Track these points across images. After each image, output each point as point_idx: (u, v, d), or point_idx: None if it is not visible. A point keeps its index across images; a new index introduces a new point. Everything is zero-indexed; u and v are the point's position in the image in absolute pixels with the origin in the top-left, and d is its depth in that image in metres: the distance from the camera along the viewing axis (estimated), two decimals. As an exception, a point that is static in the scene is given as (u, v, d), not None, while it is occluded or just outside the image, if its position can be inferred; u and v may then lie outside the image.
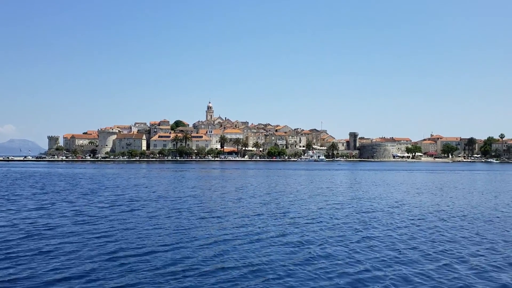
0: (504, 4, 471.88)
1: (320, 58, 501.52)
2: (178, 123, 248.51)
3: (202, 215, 26.26)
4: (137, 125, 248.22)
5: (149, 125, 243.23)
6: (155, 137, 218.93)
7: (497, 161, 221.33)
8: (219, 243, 18.12)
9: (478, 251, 17.28)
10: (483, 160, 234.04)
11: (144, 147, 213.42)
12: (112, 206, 30.61)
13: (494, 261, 15.62)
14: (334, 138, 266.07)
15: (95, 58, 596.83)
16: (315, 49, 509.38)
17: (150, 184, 52.90)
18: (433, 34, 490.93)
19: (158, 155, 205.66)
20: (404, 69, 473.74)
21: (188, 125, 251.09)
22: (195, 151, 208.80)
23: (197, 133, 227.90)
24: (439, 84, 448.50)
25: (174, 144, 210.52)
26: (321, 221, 24.39)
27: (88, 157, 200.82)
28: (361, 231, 21.47)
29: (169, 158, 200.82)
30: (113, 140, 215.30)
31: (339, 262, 15.48)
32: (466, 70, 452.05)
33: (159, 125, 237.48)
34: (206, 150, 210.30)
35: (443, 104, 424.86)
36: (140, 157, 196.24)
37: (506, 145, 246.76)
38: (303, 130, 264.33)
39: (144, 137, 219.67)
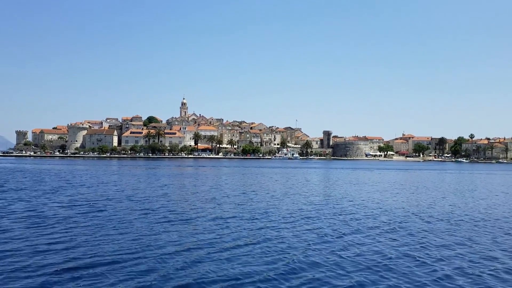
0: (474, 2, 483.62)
1: (296, 55, 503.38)
2: (151, 119, 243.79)
3: (172, 217, 24.03)
4: (108, 120, 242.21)
5: (121, 121, 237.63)
6: (127, 133, 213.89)
7: (467, 161, 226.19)
8: (190, 251, 16.05)
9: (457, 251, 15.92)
10: (453, 160, 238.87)
11: (115, 143, 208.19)
12: (72, 206, 27.98)
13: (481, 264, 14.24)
14: (308, 136, 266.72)
15: (66, 52, 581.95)
16: (290, 46, 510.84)
17: (119, 182, 50.13)
18: (405, 33, 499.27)
19: (129, 152, 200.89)
20: (377, 69, 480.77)
21: (162, 121, 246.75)
22: (168, 148, 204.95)
23: (170, 129, 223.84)
24: (411, 84, 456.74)
25: (146, 141, 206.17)
26: (299, 224, 22.64)
27: (57, 153, 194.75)
28: (344, 235, 19.81)
29: (141, 154, 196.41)
30: (83, 135, 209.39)
31: (322, 270, 13.81)
32: (437, 70, 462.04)
33: (131, 121, 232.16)
34: (180, 147, 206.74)
35: (415, 104, 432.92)
36: (110, 154, 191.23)
37: (476, 145, 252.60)
38: (278, 128, 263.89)
39: (115, 133, 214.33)
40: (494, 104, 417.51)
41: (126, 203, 29.82)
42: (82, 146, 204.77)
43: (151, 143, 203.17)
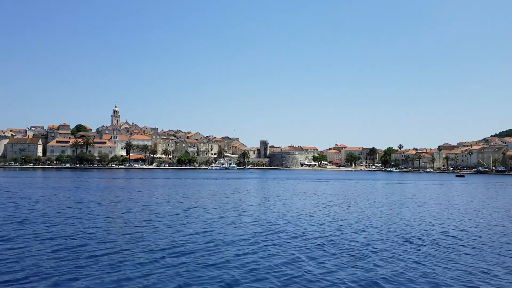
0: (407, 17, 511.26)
1: (233, 65, 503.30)
2: (79, 128, 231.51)
3: (97, 250, 20.63)
4: (33, 128, 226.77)
5: (47, 129, 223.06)
6: (53, 142, 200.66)
7: (396, 170, 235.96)
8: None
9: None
10: (383, 169, 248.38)
11: (40, 153, 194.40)
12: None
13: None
14: (246, 146, 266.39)
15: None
16: (228, 55, 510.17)
17: (31, 196, 44.73)
18: (339, 47, 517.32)
19: (55, 162, 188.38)
20: (310, 80, 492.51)
21: (91, 130, 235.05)
22: (97, 158, 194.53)
23: (100, 138, 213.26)
24: (344, 96, 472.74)
25: (74, 150, 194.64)
26: (235, 243, 20.28)
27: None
28: (282, 253, 17.73)
29: (68, 165, 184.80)
30: (5, 144, 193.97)
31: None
32: (368, 84, 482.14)
33: (58, 129, 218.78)
34: (110, 157, 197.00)
35: (347, 115, 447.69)
36: (34, 164, 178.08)
37: (404, 155, 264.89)
38: (215, 137, 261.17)
39: (40, 142, 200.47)
40: (421, 116, 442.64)
41: (33, 226, 25.68)
42: (3, 156, 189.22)
43: (79, 152, 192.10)
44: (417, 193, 62.82)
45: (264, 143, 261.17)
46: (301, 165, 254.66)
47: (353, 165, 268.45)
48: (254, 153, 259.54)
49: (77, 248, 19.79)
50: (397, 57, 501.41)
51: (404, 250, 20.60)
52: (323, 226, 28.01)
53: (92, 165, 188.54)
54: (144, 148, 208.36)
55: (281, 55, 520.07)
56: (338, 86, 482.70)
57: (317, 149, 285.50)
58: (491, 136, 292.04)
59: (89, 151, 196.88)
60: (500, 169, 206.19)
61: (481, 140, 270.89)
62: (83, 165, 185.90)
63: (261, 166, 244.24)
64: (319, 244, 21.80)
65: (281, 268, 16.99)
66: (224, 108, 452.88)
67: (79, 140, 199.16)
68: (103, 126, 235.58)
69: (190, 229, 25.77)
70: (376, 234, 25.14)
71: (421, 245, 22.08)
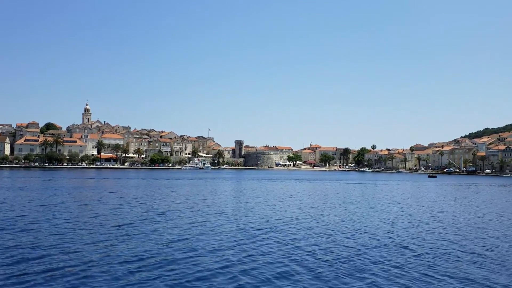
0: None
1: (207, 65, 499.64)
2: (49, 126, 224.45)
3: (56, 260, 18.58)
4: (0, 126, 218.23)
5: (15, 127, 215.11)
6: (21, 141, 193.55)
7: (370, 170, 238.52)
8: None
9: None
10: (356, 170, 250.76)
11: (7, 152, 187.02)
12: None
13: None
14: (220, 145, 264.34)
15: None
16: (201, 54, 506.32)
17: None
18: (314, 48, 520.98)
19: (23, 161, 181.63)
20: (285, 80, 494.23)
21: (61, 128, 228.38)
22: (67, 157, 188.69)
23: (70, 137, 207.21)
24: (318, 96, 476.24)
25: (43, 149, 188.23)
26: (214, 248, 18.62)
27: None
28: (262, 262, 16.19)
29: (37, 164, 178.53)
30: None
31: None
32: (342, 85, 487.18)
33: (26, 128, 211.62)
34: (80, 156, 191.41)
35: (322, 116, 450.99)
36: (1, 163, 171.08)
37: (377, 156, 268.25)
38: (189, 137, 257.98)
39: (8, 140, 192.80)
40: (394, 117, 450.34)
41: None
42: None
43: (48, 151, 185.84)
44: (398, 195, 62.51)
45: (239, 143, 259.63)
46: (276, 165, 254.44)
47: (327, 165, 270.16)
48: (229, 153, 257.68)
49: (36, 260, 17.55)
50: (370, 58, 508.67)
51: (401, 258, 19.43)
52: (309, 231, 26.63)
53: (62, 165, 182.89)
54: (116, 147, 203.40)
55: (255, 56, 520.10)
56: (313, 87, 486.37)
57: (292, 149, 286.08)
58: (461, 137, 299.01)
59: (59, 150, 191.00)
60: (470, 169, 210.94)
61: (452, 141, 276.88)
62: (53, 165, 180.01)
63: (236, 166, 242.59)
64: (310, 251, 20.38)
65: (273, 282, 15.49)
66: (199, 107, 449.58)
67: (49, 138, 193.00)
68: (73, 124, 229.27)
69: (166, 236, 23.79)
70: (368, 239, 23.95)
71: (421, 253, 20.97)
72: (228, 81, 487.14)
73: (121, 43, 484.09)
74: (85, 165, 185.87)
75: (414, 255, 20.21)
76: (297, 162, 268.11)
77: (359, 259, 19.11)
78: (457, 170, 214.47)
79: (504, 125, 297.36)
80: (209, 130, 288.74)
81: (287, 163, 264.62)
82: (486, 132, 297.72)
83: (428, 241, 24.16)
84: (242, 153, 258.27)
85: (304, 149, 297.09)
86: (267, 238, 23.99)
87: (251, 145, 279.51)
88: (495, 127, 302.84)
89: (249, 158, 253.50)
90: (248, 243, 22.21)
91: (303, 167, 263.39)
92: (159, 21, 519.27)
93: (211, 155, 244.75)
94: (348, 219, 33.11)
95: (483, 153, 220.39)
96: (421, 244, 23.16)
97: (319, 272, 16.82)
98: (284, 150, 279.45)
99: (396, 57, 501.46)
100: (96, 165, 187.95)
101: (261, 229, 27.10)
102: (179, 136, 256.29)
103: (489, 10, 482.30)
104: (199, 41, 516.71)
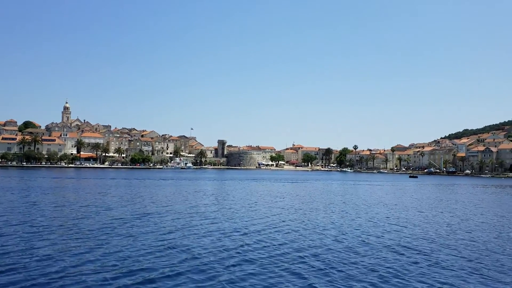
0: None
1: (189, 64, 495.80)
2: (27, 124, 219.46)
3: (28, 269, 17.30)
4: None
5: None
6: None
7: (351, 171, 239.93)
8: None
9: None
10: (338, 170, 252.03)
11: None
12: None
13: None
14: (203, 145, 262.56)
15: None
16: (183, 53, 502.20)
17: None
18: (294, 46, 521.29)
19: (0, 160, 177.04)
20: (268, 80, 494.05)
21: (40, 126, 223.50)
22: (46, 156, 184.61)
23: (49, 135, 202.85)
24: (301, 96, 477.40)
25: (21, 148, 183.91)
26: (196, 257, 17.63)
27: None
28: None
29: (14, 163, 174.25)
30: None
31: None
32: (324, 83, 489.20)
33: (4, 126, 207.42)
34: (59, 155, 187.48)
35: (304, 116, 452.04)
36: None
37: (359, 156, 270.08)
38: (171, 136, 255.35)
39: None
40: (375, 117, 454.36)
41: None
42: None
43: (26, 150, 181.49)
44: (383, 195, 62.40)
45: (221, 143, 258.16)
46: (259, 165, 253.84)
47: (310, 165, 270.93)
48: (211, 152, 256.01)
49: (5, 267, 16.48)
50: (352, 58, 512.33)
51: (396, 260, 18.77)
52: (298, 234, 25.86)
53: (40, 164, 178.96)
54: (96, 146, 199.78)
55: (238, 55, 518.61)
56: (296, 87, 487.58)
57: (274, 149, 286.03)
58: (441, 138, 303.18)
59: (37, 148, 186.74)
60: (450, 170, 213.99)
61: (432, 141, 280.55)
62: (31, 164, 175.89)
63: (218, 165, 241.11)
64: (301, 258, 19.56)
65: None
66: (181, 106, 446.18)
67: (27, 137, 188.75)
68: (52, 123, 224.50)
69: (149, 241, 22.47)
70: (357, 243, 23.25)
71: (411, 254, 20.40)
72: (211, 81, 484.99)
73: (102, 42, 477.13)
74: (64, 164, 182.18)
75: (407, 257, 19.62)
76: (280, 162, 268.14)
77: (353, 264, 18.39)
78: (438, 170, 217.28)
79: (483, 126, 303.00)
80: (192, 129, 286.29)
81: (270, 163, 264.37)
82: (466, 133, 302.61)
83: (422, 244, 23.64)
84: (225, 152, 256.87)
85: (287, 149, 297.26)
86: (254, 243, 23.07)
87: (234, 145, 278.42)
88: (474, 128, 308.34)
89: (231, 158, 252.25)
90: (233, 249, 21.25)
91: (286, 167, 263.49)
92: (140, 20, 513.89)
93: (193, 155, 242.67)
94: (334, 221, 32.47)
95: (463, 154, 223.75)
96: (415, 246, 22.62)
97: (305, 277, 16.03)
98: (267, 150, 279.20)
99: (377, 58, 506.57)
100: (75, 165, 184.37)
101: (246, 233, 26.17)
102: (161, 135, 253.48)
103: (468, 9, 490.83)
104: (181, 41, 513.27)
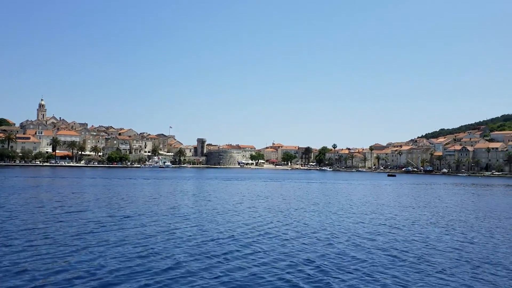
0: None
1: (170, 62, 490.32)
2: (1, 122, 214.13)
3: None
4: None
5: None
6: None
7: (330, 169, 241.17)
8: None
9: None
10: (318, 168, 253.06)
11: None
12: None
13: None
14: (182, 144, 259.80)
15: None
16: (164, 51, 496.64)
17: None
18: (274, 45, 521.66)
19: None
20: (248, 78, 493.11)
21: (14, 124, 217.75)
22: (20, 154, 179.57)
23: (24, 133, 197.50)
24: (279, 95, 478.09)
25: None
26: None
27: None
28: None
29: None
30: None
31: None
32: (303, 82, 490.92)
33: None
34: (34, 153, 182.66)
35: (283, 115, 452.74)
36: None
37: (338, 155, 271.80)
38: (149, 134, 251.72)
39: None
40: (354, 116, 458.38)
41: None
42: None
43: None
44: (365, 194, 62.27)
45: (201, 141, 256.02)
46: (239, 163, 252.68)
47: (289, 164, 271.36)
48: (190, 151, 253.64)
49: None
50: (331, 57, 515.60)
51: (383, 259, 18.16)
52: (286, 237, 25.10)
53: (14, 162, 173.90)
54: (72, 144, 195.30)
55: (218, 53, 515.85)
56: (275, 85, 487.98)
57: (254, 148, 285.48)
58: (419, 137, 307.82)
59: (11, 147, 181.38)
60: (428, 169, 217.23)
61: (410, 141, 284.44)
62: (4, 162, 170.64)
63: (197, 164, 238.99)
64: (290, 263, 18.76)
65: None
66: (160, 104, 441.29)
67: (0, 135, 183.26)
68: (27, 120, 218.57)
69: (130, 246, 21.27)
70: (346, 246, 22.63)
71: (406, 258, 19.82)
72: (190, 79, 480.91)
73: (78, 38, 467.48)
74: (38, 163, 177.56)
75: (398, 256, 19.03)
76: (260, 161, 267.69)
77: (344, 268, 17.67)
78: (415, 169, 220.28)
79: (458, 126, 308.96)
80: (171, 127, 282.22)
81: (250, 161, 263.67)
82: (442, 132, 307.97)
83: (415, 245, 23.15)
84: (204, 151, 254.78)
85: (267, 147, 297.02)
86: (241, 248, 22.17)
87: (213, 144, 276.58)
88: (450, 128, 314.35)
89: (211, 157, 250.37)
90: (219, 255, 20.30)
91: (266, 166, 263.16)
92: (119, 18, 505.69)
93: (172, 154, 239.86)
94: (322, 221, 31.84)
95: (440, 153, 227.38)
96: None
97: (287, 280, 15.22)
98: (247, 148, 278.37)
99: (355, 57, 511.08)
100: (50, 163, 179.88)
101: (232, 237, 25.23)
102: (139, 133, 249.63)
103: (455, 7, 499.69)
104: (160, 39, 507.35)
